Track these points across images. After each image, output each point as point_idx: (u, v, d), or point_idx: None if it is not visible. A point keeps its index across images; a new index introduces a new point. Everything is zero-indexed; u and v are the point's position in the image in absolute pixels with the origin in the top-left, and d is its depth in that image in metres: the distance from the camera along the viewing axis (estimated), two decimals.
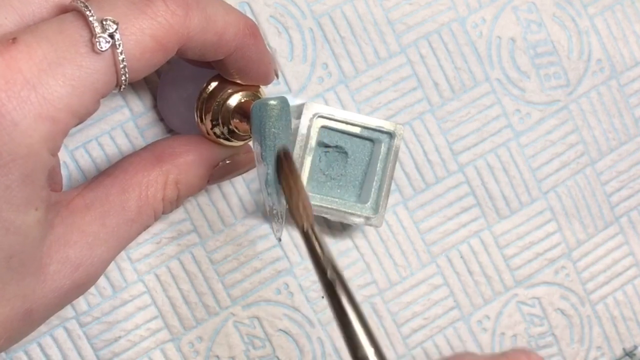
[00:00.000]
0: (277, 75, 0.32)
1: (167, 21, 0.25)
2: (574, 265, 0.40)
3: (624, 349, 0.40)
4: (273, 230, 0.30)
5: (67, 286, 0.27)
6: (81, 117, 0.24)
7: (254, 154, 0.30)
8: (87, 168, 0.35)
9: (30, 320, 0.26)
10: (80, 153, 0.35)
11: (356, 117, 0.34)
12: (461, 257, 0.38)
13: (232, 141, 0.32)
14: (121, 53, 0.24)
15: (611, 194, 0.40)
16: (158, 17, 0.25)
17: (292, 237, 0.37)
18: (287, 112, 0.28)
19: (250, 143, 0.33)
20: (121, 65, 0.24)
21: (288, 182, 0.28)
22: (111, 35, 0.24)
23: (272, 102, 0.28)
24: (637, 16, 0.40)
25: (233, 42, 0.27)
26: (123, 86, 0.25)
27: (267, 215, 0.30)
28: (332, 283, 0.26)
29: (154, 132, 0.35)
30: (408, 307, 0.38)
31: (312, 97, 0.37)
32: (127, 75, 0.25)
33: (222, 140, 0.32)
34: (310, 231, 0.27)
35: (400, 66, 0.37)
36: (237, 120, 0.31)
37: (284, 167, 0.29)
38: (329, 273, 0.26)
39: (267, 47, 0.33)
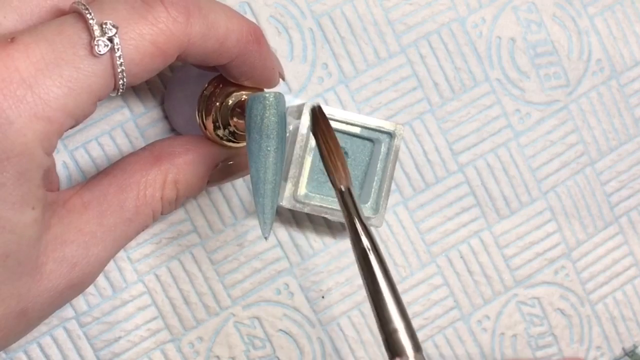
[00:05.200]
0: (283, 78, 0.32)
1: (168, 27, 0.25)
2: (574, 265, 0.40)
3: (623, 349, 0.40)
4: (261, 229, 0.30)
5: (63, 285, 0.27)
6: (77, 118, 0.24)
7: (247, 150, 0.30)
8: (87, 168, 0.35)
9: (25, 320, 0.26)
10: (80, 153, 0.35)
11: (356, 117, 0.34)
12: (461, 257, 0.38)
13: (234, 142, 0.32)
14: (120, 57, 0.24)
15: (611, 194, 0.40)
16: (159, 24, 0.25)
17: (292, 237, 0.37)
18: (282, 107, 0.28)
19: None
20: (119, 69, 0.24)
21: (325, 140, 0.28)
22: (110, 39, 0.24)
23: (265, 95, 0.28)
24: (637, 16, 0.40)
25: (235, 49, 0.27)
26: (121, 90, 0.25)
27: (257, 215, 0.30)
28: (366, 251, 0.26)
29: (154, 132, 0.35)
30: (408, 307, 0.38)
31: (312, 97, 0.37)
32: (125, 80, 0.24)
33: (224, 142, 0.32)
34: (347, 192, 0.27)
35: (400, 66, 0.37)
36: (236, 119, 0.31)
37: (319, 123, 0.28)
38: (364, 240, 0.26)
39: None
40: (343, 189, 0.27)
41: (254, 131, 0.28)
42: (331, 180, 0.28)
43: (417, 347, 0.25)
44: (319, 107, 0.30)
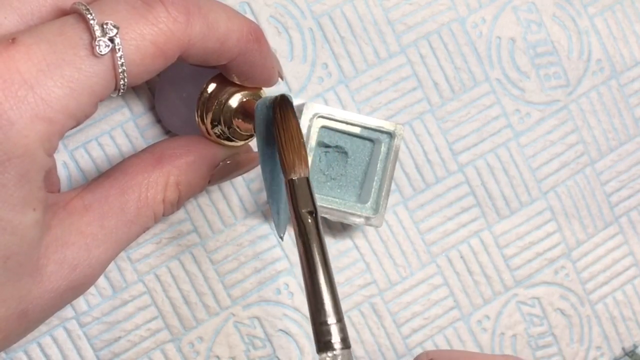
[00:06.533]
0: (282, 77, 0.32)
1: (169, 28, 0.25)
2: (574, 265, 0.40)
3: (623, 349, 0.40)
4: (276, 229, 0.30)
5: (64, 287, 0.27)
6: (78, 119, 0.24)
7: (259, 153, 0.30)
8: (87, 168, 0.35)
9: (25, 321, 0.26)
10: (80, 153, 0.35)
11: (356, 117, 0.34)
12: (461, 257, 0.38)
13: (233, 141, 0.32)
14: (121, 57, 0.24)
15: (611, 194, 0.40)
16: (159, 24, 0.25)
17: (292, 237, 0.37)
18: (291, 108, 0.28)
19: (251, 143, 0.33)
20: (120, 70, 0.24)
21: (279, 129, 0.27)
22: (111, 39, 0.24)
23: (273, 98, 0.28)
24: (637, 16, 0.40)
25: (236, 49, 0.27)
26: (122, 90, 0.25)
27: (271, 216, 0.30)
28: (308, 238, 0.25)
29: (154, 132, 0.35)
30: (408, 307, 0.38)
31: (312, 97, 0.37)
32: (126, 80, 0.25)
33: (222, 140, 0.32)
34: (296, 183, 0.26)
35: (400, 66, 0.37)
36: (240, 120, 0.31)
37: (277, 112, 0.27)
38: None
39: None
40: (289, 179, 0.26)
41: (266, 135, 0.28)
42: (282, 170, 0.27)
43: (345, 343, 0.25)
44: (283, 96, 0.28)
